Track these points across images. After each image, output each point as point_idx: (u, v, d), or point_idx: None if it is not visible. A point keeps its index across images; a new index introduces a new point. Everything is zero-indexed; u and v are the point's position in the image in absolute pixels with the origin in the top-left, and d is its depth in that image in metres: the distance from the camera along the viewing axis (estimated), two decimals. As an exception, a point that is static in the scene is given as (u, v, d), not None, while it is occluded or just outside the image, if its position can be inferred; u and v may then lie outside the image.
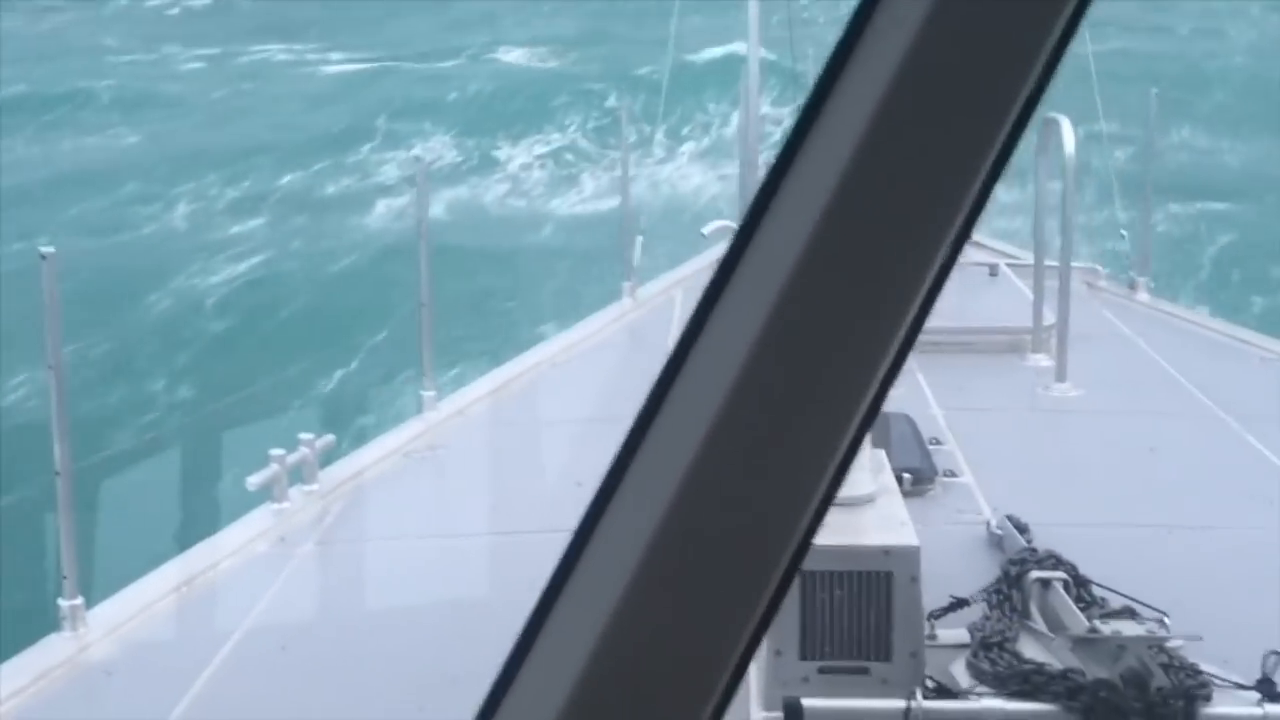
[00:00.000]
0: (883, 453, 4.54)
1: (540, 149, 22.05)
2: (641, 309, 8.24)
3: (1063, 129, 6.85)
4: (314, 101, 25.50)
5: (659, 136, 19.52)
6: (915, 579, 3.75)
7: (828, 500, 0.70)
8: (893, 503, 4.09)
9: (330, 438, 5.95)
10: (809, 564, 3.77)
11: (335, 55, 28.69)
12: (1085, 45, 8.83)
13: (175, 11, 33.03)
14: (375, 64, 28.03)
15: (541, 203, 20.24)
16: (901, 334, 0.70)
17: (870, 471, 4.20)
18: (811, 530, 0.70)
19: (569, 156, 21.88)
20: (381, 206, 19.72)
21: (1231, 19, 29.26)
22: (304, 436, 5.77)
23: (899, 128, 0.68)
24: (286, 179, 20.99)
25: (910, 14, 0.68)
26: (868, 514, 4.02)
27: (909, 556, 3.76)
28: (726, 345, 0.69)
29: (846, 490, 4.01)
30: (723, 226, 8.16)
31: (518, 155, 21.85)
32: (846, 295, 0.68)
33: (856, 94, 0.68)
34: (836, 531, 3.87)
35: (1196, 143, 22.14)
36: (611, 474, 0.72)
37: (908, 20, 0.68)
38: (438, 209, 16.89)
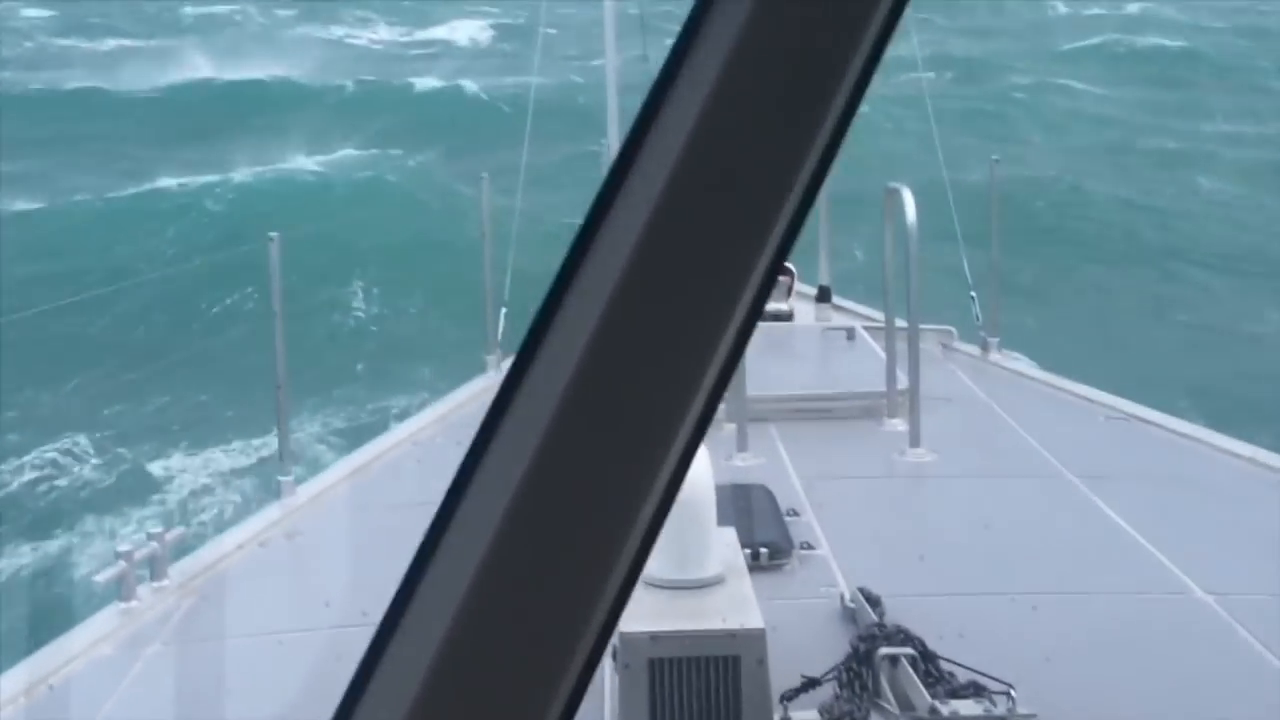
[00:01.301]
0: (732, 531, 4.55)
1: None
2: None
3: (904, 197, 7.02)
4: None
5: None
6: (762, 662, 3.75)
7: (631, 580, 0.70)
8: (740, 583, 4.09)
9: (181, 530, 5.80)
10: (657, 651, 3.78)
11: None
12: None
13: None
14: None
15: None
16: (697, 411, 0.70)
17: (718, 552, 4.21)
18: (615, 612, 0.70)
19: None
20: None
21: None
22: (153, 530, 5.61)
23: (688, 197, 0.69)
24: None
25: (707, 72, 0.69)
26: (715, 596, 4.02)
27: (755, 640, 3.76)
28: (526, 427, 0.70)
29: (694, 573, 4.04)
30: None
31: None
32: (637, 381, 0.69)
33: (664, 146, 0.70)
34: (683, 616, 3.87)
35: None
36: (412, 567, 0.72)
37: (709, 70, 0.69)
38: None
